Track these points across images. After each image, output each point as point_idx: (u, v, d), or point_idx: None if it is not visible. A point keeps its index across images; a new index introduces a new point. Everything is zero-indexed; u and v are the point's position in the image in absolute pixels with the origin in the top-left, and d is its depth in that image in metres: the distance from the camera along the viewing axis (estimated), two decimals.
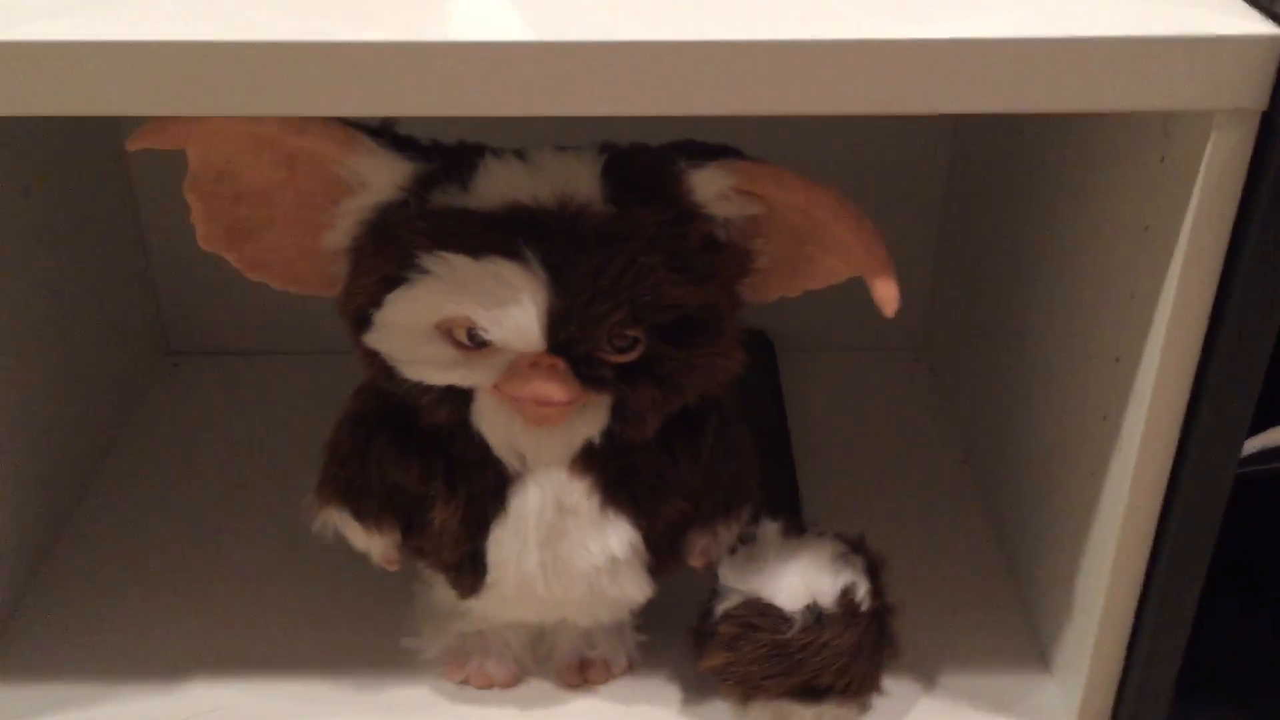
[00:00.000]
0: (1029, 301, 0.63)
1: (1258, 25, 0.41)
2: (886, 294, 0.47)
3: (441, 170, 0.48)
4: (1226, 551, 0.57)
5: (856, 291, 0.81)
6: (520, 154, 0.49)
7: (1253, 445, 0.61)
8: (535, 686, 0.59)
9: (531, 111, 0.41)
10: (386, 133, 0.48)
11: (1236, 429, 0.50)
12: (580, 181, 0.48)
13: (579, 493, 0.52)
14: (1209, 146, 0.43)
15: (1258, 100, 0.41)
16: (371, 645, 0.61)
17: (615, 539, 0.52)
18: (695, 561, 0.57)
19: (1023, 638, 0.62)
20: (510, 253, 0.46)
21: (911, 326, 0.85)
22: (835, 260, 0.50)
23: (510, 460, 0.51)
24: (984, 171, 0.71)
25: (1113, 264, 0.52)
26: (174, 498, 0.71)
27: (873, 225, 0.47)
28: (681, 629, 0.59)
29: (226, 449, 0.75)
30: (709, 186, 0.48)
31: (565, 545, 0.52)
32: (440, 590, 0.59)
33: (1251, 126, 0.42)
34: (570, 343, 0.47)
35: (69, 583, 0.65)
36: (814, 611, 0.54)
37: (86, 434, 0.72)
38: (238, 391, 0.81)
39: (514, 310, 0.46)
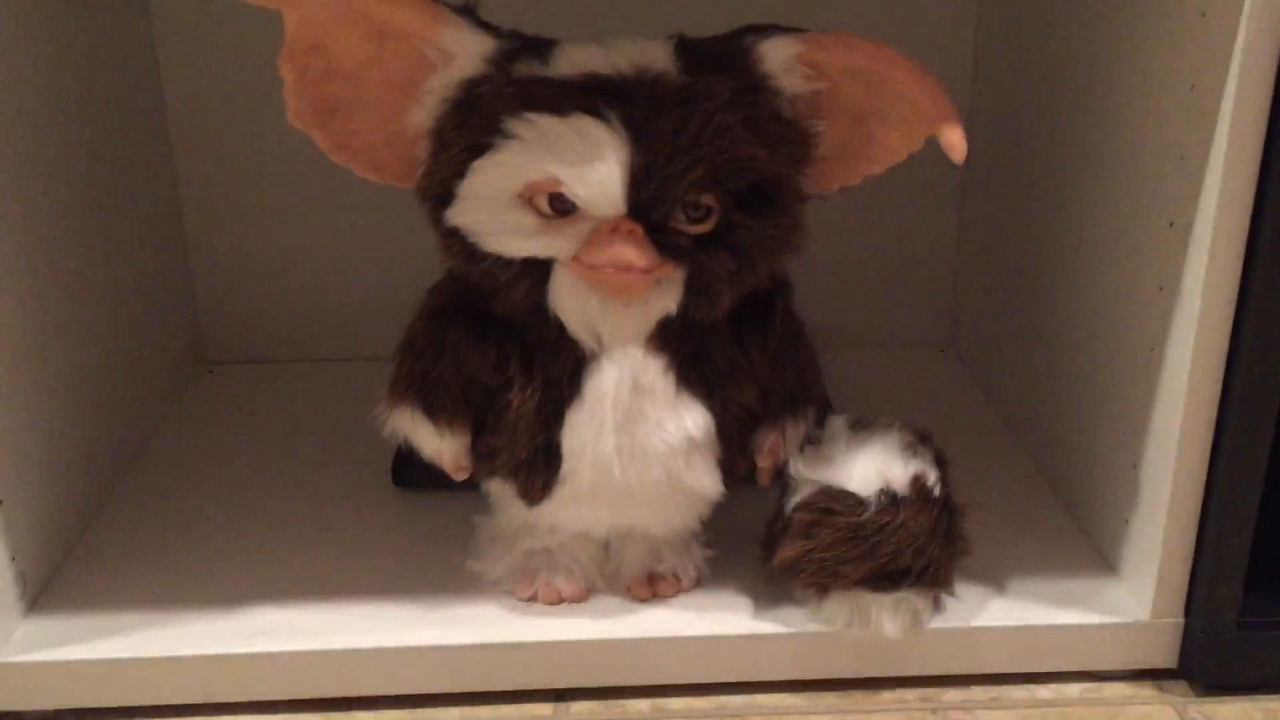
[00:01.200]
0: (1064, 237, 0.65)
1: None
2: (955, 139, 0.49)
3: (522, 48, 0.51)
4: None
5: (884, 288, 0.85)
6: (594, 40, 0.52)
7: None
8: (604, 601, 0.58)
9: None
10: (470, 11, 0.51)
11: None
12: (655, 57, 0.50)
13: (655, 371, 0.52)
14: None
15: None
16: (434, 569, 0.61)
17: (690, 419, 0.53)
18: (763, 460, 0.57)
19: (1086, 551, 0.62)
20: (593, 112, 0.48)
21: (937, 320, 0.87)
22: (894, 135, 0.52)
23: (587, 340, 0.52)
24: (1006, 140, 0.75)
25: (1150, 189, 0.55)
26: (212, 479, 0.70)
27: (936, 78, 0.50)
28: (747, 546, 0.59)
29: (259, 447, 0.74)
30: (777, 55, 0.51)
31: (641, 427, 0.52)
32: (505, 512, 0.59)
33: None
34: (649, 203, 0.49)
35: (103, 557, 0.64)
36: (888, 494, 0.54)
37: (121, 431, 0.71)
38: (269, 398, 0.81)
39: (598, 166, 0.48)
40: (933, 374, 0.84)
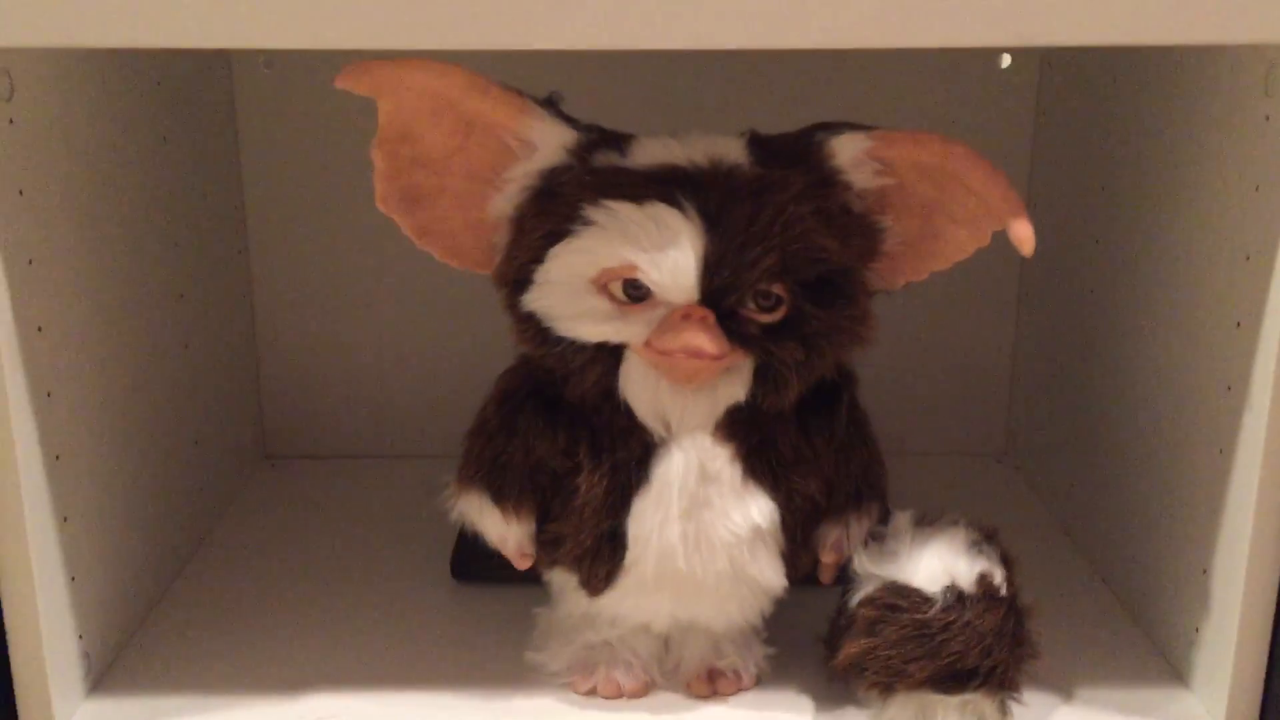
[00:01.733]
0: (1124, 341, 0.66)
1: None
2: (1024, 233, 0.50)
3: (601, 140, 0.53)
4: None
5: (940, 396, 0.86)
6: (670, 134, 0.54)
7: None
8: (663, 697, 0.58)
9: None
10: (552, 104, 0.53)
11: None
12: (729, 150, 0.52)
13: (722, 459, 0.53)
14: None
15: None
16: (491, 662, 0.60)
17: (756, 509, 0.53)
18: (827, 556, 0.57)
19: (1155, 662, 0.61)
20: (669, 200, 0.49)
21: (993, 429, 0.87)
22: (961, 232, 0.53)
23: (655, 426, 0.53)
24: (1061, 255, 0.76)
25: (1215, 289, 0.55)
26: (272, 569, 0.71)
27: (1005, 174, 0.51)
28: (810, 645, 0.58)
29: (320, 539, 0.75)
30: (847, 151, 0.52)
31: (707, 515, 0.53)
32: (566, 604, 0.59)
33: None
34: (722, 291, 0.50)
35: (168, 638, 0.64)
36: (953, 592, 0.53)
37: (186, 519, 0.72)
38: (330, 492, 0.82)
39: (672, 253, 0.49)
40: (989, 483, 0.83)
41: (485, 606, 0.66)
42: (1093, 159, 0.70)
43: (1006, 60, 0.80)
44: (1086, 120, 0.71)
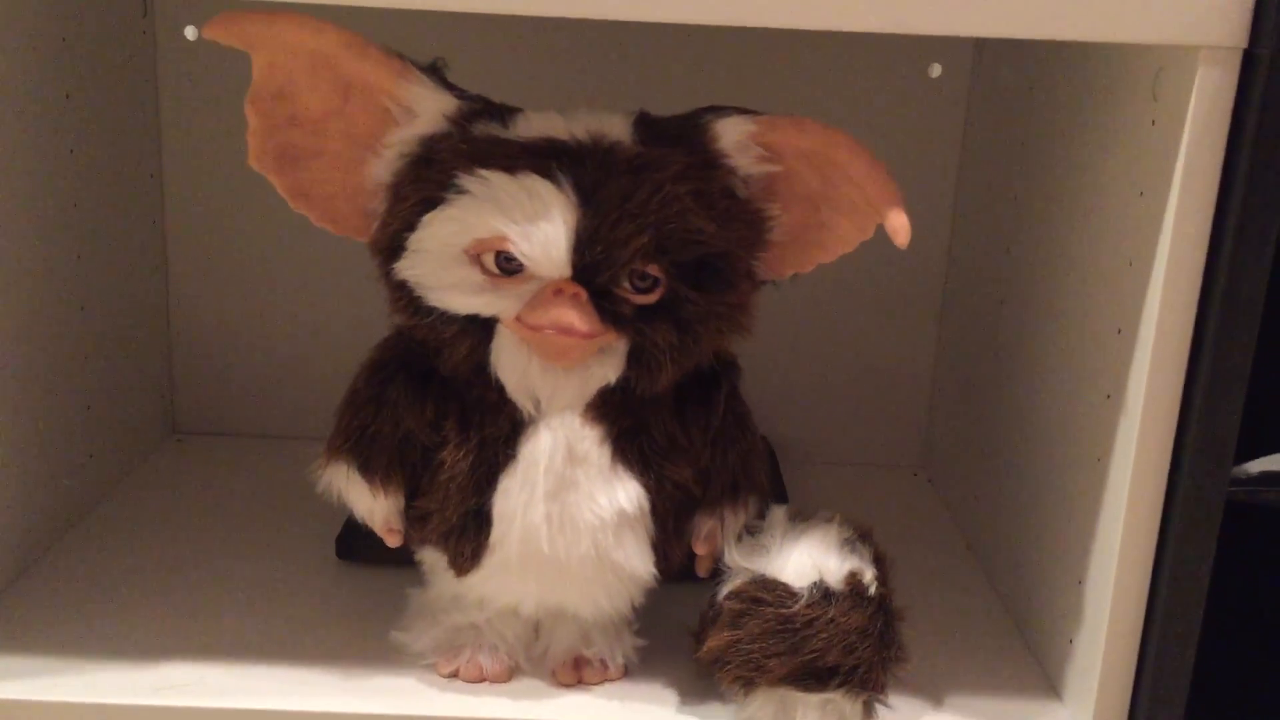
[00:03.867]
0: (1022, 351, 0.65)
1: None
2: (899, 223, 0.49)
3: (484, 110, 0.52)
4: (1235, 583, 0.56)
5: (856, 405, 0.85)
6: (557, 109, 0.53)
7: (1254, 468, 0.61)
8: (527, 683, 0.57)
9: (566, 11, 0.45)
10: (436, 71, 0.52)
11: (1227, 433, 0.51)
12: (613, 127, 0.51)
13: (590, 440, 0.52)
14: (1195, 88, 0.46)
15: (1239, 37, 0.46)
16: (359, 639, 0.59)
17: (623, 493, 0.52)
18: (700, 548, 0.56)
19: (1032, 672, 0.60)
20: (544, 173, 0.49)
21: (910, 442, 0.86)
22: (846, 223, 0.53)
23: (525, 404, 0.52)
24: (978, 279, 0.75)
25: (1105, 297, 0.55)
26: (159, 540, 0.70)
27: (885, 165, 0.50)
28: (682, 640, 0.57)
29: (212, 514, 0.73)
30: (731, 134, 0.52)
31: (573, 498, 0.52)
32: (437, 584, 0.58)
33: (1234, 65, 0.46)
34: (595, 268, 0.49)
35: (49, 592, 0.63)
36: (820, 588, 0.53)
37: (77, 485, 0.71)
38: (233, 470, 0.80)
39: (544, 225, 0.48)
40: (902, 494, 0.82)
41: (365, 586, 0.65)
42: (1011, 168, 0.70)
43: (937, 70, 0.79)
44: (1008, 130, 0.71)
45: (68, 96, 0.67)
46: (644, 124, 0.52)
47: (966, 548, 0.74)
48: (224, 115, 0.79)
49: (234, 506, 0.75)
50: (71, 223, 0.67)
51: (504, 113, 0.52)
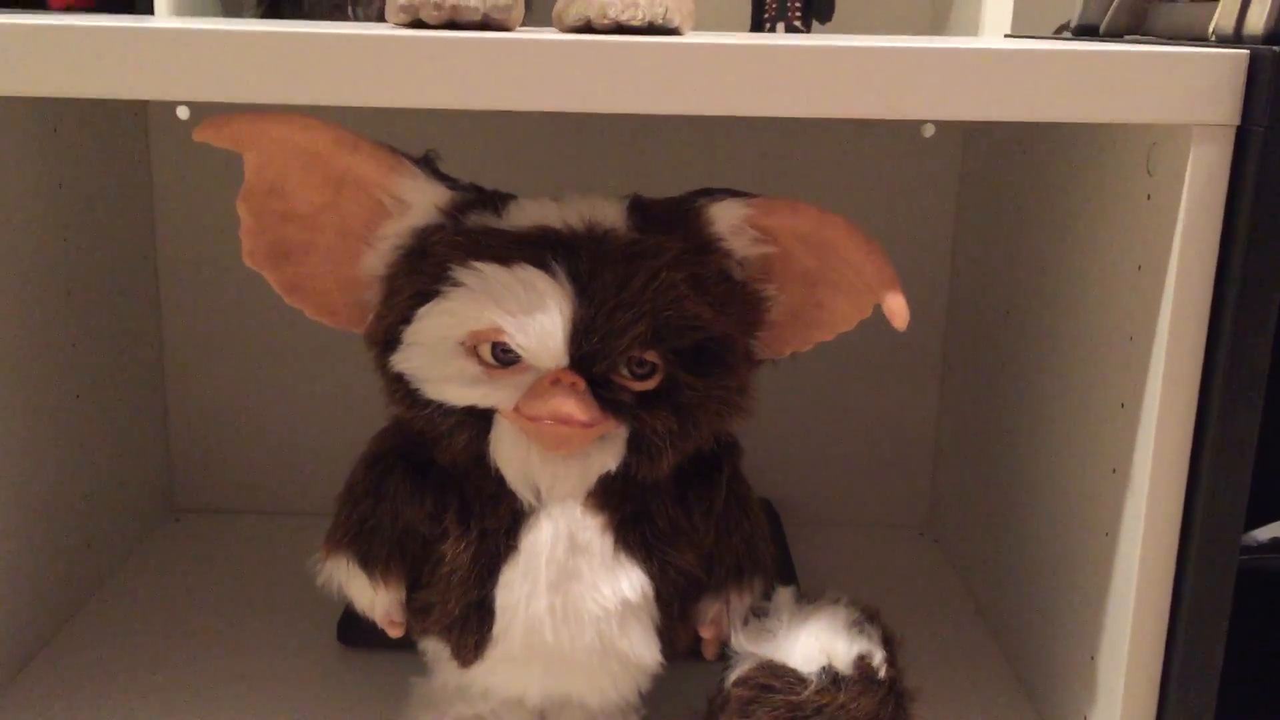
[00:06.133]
0: (1027, 418, 0.65)
1: (1228, 48, 0.46)
2: (897, 306, 0.49)
3: (477, 200, 0.52)
4: (1250, 651, 0.55)
5: (861, 465, 0.84)
6: (551, 196, 0.53)
7: (1263, 535, 0.60)
8: None
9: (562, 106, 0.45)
10: (429, 162, 0.52)
11: (1235, 503, 0.50)
12: (607, 214, 0.51)
13: (593, 530, 0.51)
14: (1189, 164, 0.46)
15: (1231, 115, 0.45)
16: None
17: (627, 582, 0.51)
18: (706, 632, 0.55)
19: None
20: (539, 263, 0.48)
21: (915, 502, 0.85)
22: (844, 302, 0.52)
23: (525, 494, 0.51)
24: (977, 347, 0.75)
25: (1106, 372, 0.54)
26: (162, 625, 0.69)
27: (881, 247, 0.50)
28: None
29: (214, 596, 0.73)
30: (726, 218, 0.51)
31: (576, 588, 0.51)
32: (441, 674, 0.57)
33: (1228, 142, 0.46)
34: (592, 357, 0.49)
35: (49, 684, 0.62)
36: (829, 673, 0.52)
37: (81, 570, 0.71)
38: (232, 549, 0.80)
39: (540, 317, 0.48)
40: (908, 556, 0.82)
41: (368, 673, 0.64)
42: (1008, 230, 0.70)
43: (930, 129, 0.79)
44: (1003, 191, 0.71)
45: (60, 185, 0.67)
46: (638, 209, 0.52)
47: (975, 613, 0.73)
48: (218, 194, 0.79)
49: (234, 589, 0.74)
50: (66, 306, 0.67)
51: (497, 201, 0.52)
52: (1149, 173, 0.50)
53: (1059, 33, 1.55)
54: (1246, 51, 0.45)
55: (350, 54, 0.45)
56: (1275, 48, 0.45)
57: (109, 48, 0.45)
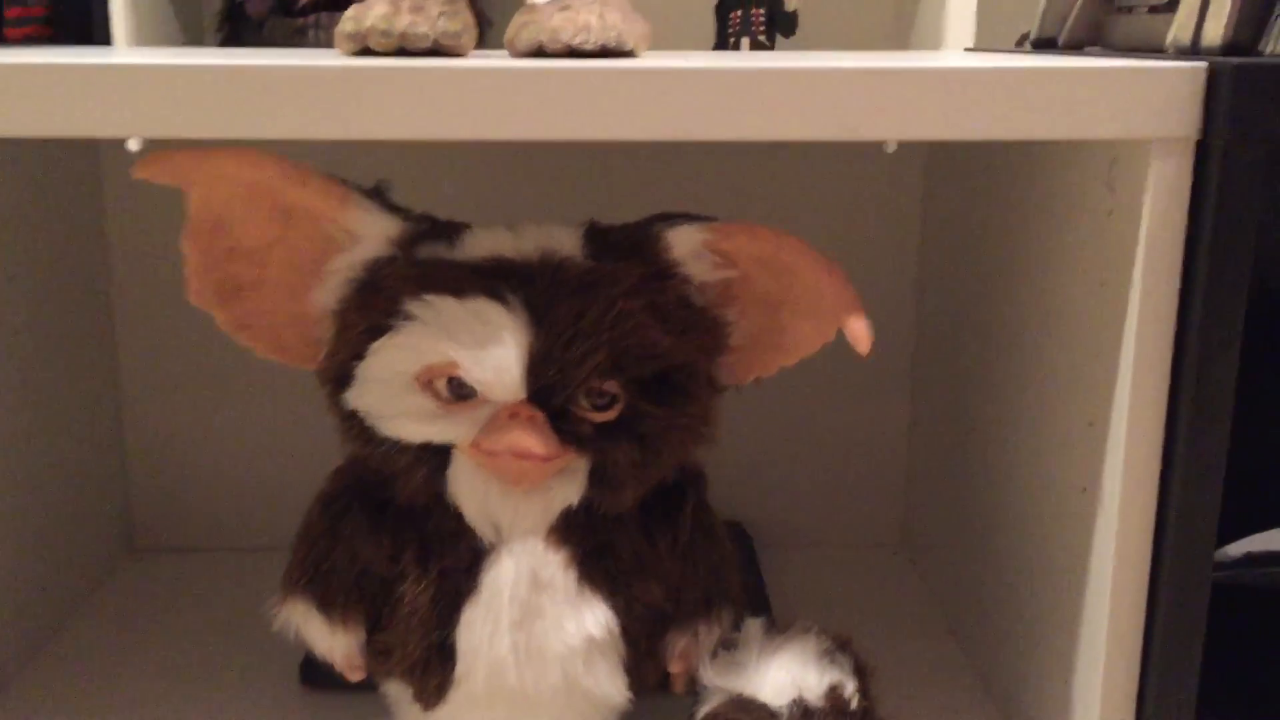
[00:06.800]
0: (996, 436, 0.64)
1: (1186, 61, 0.45)
2: (859, 331, 0.48)
3: (429, 231, 0.51)
4: (1226, 667, 0.55)
5: (832, 484, 0.83)
6: (506, 225, 0.52)
7: (1236, 550, 0.60)
8: None
9: (520, 135, 0.44)
10: (379, 194, 0.51)
11: (1207, 519, 0.50)
12: (563, 242, 0.50)
13: (555, 565, 0.50)
14: (1150, 178, 0.46)
15: (1191, 128, 0.45)
16: None
17: (591, 618, 0.50)
18: (674, 666, 0.54)
19: None
20: (493, 295, 0.47)
21: (889, 520, 0.84)
22: (806, 325, 0.52)
23: (485, 531, 0.50)
24: (948, 357, 0.74)
25: (1074, 390, 0.54)
26: (122, 665, 0.67)
27: (841, 270, 0.49)
28: None
29: (175, 635, 0.71)
30: (684, 243, 0.50)
31: (539, 626, 0.50)
32: (402, 716, 0.55)
33: (1188, 156, 0.45)
34: (550, 389, 0.47)
35: None
36: (800, 706, 0.51)
37: (40, 610, 0.69)
38: (194, 586, 0.78)
39: (495, 350, 0.47)
40: (882, 576, 0.81)
41: (332, 715, 0.62)
42: (974, 247, 0.69)
43: (892, 145, 0.78)
44: (968, 207, 0.70)
45: (8, 220, 0.65)
46: (594, 236, 0.51)
47: (949, 632, 0.72)
48: (172, 226, 0.77)
49: (196, 629, 0.72)
50: (18, 343, 0.65)
51: (451, 231, 0.51)
52: (1110, 188, 0.49)
53: (1020, 44, 1.56)
54: (1205, 64, 0.45)
55: (298, 87, 0.44)
56: (1233, 60, 0.44)
57: (53, 86, 0.43)
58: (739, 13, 1.58)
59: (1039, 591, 0.58)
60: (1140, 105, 0.45)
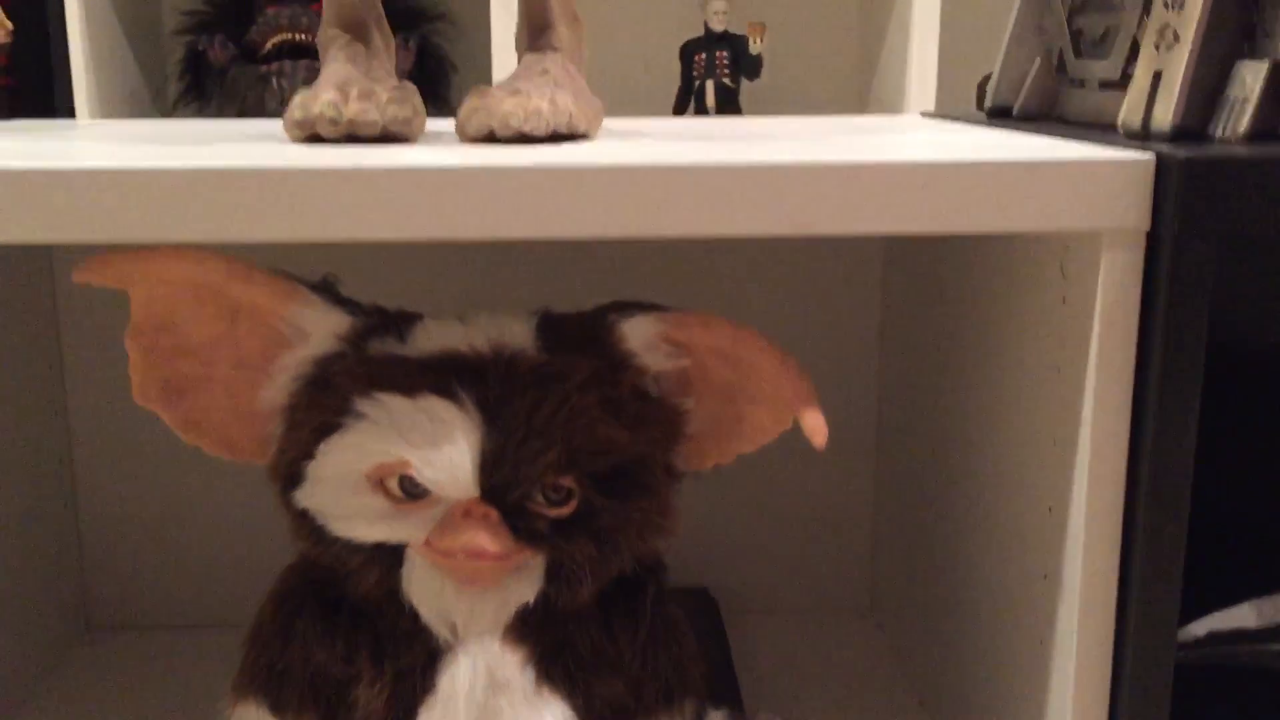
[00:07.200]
0: (960, 511, 0.63)
1: (1135, 151, 0.45)
2: (815, 424, 0.48)
3: (380, 325, 0.50)
4: None
5: (798, 549, 0.83)
6: (455, 314, 0.51)
7: (1199, 629, 0.59)
8: None
9: (482, 234, 0.44)
10: (327, 288, 0.50)
11: (1168, 602, 0.49)
12: (515, 334, 0.50)
13: (513, 665, 0.49)
14: (1102, 270, 0.46)
15: (1140, 220, 0.45)
16: None
17: (551, 718, 0.49)
18: None
19: None
20: (445, 392, 0.47)
21: (857, 586, 0.84)
22: (764, 414, 0.51)
23: (441, 630, 0.49)
24: (911, 426, 0.74)
25: (1033, 476, 0.54)
26: None
27: (797, 362, 0.49)
28: None
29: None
30: (639, 334, 0.50)
31: None
32: None
33: (1139, 246, 0.45)
34: (504, 487, 0.47)
35: None
36: None
37: None
38: (151, 666, 0.77)
39: (447, 449, 0.46)
40: (851, 644, 0.80)
41: None
42: (932, 327, 0.69)
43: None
44: (926, 288, 0.70)
45: None
46: (547, 327, 0.51)
47: (919, 704, 0.72)
48: (124, 305, 0.76)
49: (154, 710, 0.71)
50: None
51: (400, 323, 0.50)
52: (1063, 275, 0.49)
53: (980, 87, 1.56)
54: (1152, 156, 0.45)
55: (244, 189, 0.43)
56: (1180, 152, 0.44)
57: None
58: (703, 55, 1.59)
59: (1005, 668, 0.57)
60: (1089, 198, 0.45)
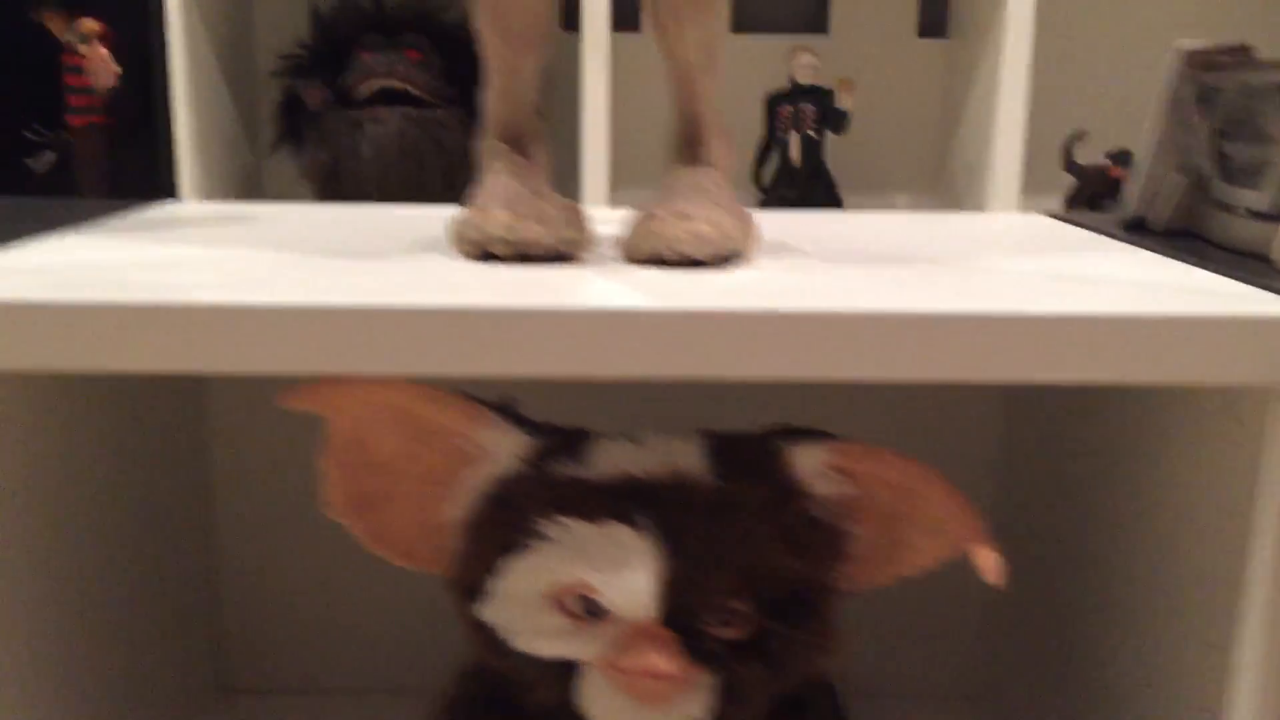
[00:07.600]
0: (1101, 625, 0.64)
1: None
2: (987, 562, 0.49)
3: (557, 445, 0.52)
4: None
5: (916, 638, 0.84)
6: (627, 434, 0.53)
7: None
8: None
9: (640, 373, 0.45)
10: (508, 409, 0.52)
11: None
12: (688, 458, 0.51)
13: None
14: (1267, 423, 0.46)
15: None
16: None
17: None
18: None
19: None
20: (626, 519, 0.49)
21: (969, 671, 0.85)
22: (928, 541, 0.52)
23: None
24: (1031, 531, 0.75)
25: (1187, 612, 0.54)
26: None
27: (965, 497, 0.50)
28: None
29: None
30: (808, 462, 0.52)
31: None
32: None
33: None
34: (682, 612, 0.49)
35: None
36: None
37: None
38: None
39: (628, 575, 0.48)
40: None
41: None
42: (1058, 471, 0.69)
43: None
44: (1055, 431, 0.71)
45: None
46: (716, 450, 0.52)
47: None
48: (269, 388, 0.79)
49: None
50: (116, 481, 0.67)
51: (576, 443, 0.52)
52: (1241, 424, 0.50)
53: (1066, 148, 1.54)
54: None
55: (415, 328, 0.44)
56: None
57: (168, 324, 0.44)
58: (789, 108, 1.60)
59: None
60: (1257, 353, 0.46)
